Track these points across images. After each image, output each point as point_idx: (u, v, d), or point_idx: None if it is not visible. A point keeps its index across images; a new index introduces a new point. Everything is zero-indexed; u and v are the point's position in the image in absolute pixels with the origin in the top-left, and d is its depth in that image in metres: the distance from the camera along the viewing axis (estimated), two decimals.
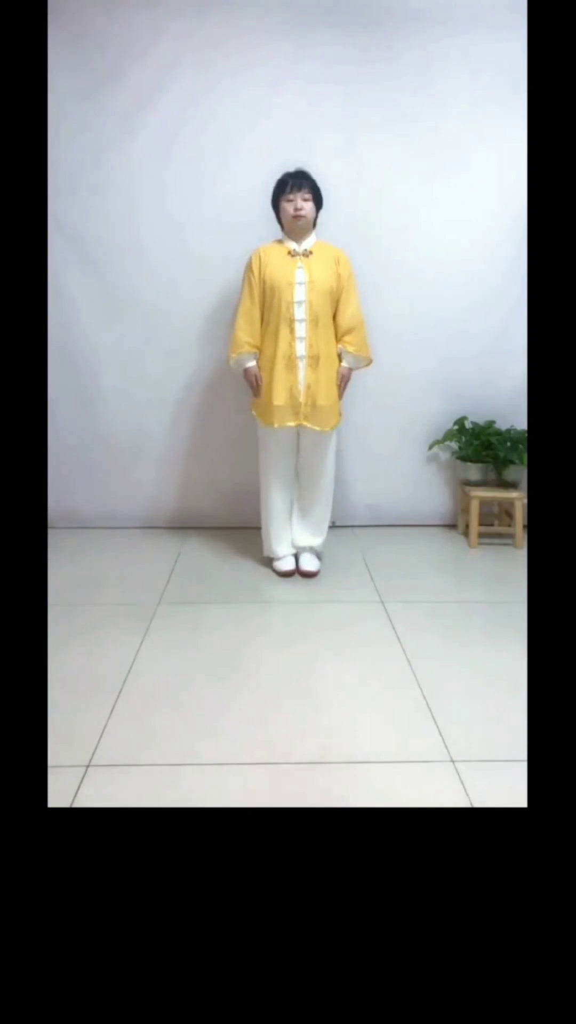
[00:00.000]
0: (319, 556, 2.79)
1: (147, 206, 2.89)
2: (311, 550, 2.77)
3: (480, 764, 1.56)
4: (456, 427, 3.11)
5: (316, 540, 2.75)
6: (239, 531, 3.20)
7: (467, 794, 1.47)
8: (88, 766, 1.55)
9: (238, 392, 2.99)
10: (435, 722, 1.73)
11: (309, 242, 2.47)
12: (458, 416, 3.13)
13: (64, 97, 2.77)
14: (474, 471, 3.09)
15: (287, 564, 2.71)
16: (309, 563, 2.71)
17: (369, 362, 2.58)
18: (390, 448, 3.21)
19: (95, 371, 3.08)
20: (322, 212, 2.51)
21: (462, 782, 1.50)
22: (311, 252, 2.45)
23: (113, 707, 1.79)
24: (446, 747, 1.63)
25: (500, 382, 3.12)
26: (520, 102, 2.79)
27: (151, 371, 3.08)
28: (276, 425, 2.48)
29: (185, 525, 3.29)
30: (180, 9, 2.73)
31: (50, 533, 3.20)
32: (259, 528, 2.82)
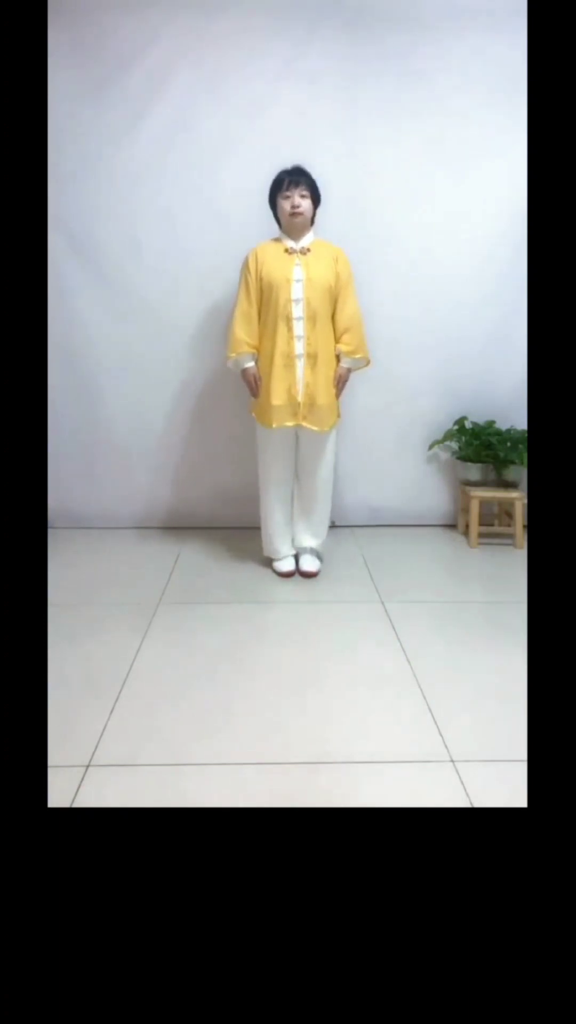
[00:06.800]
0: (320, 557, 2.79)
1: (147, 206, 2.89)
2: (311, 551, 2.77)
3: (480, 764, 1.56)
4: (456, 427, 3.11)
5: (316, 541, 2.75)
6: (239, 531, 3.20)
7: (467, 794, 1.47)
8: (88, 766, 1.55)
9: (238, 392, 2.99)
10: (435, 722, 1.73)
11: (307, 240, 2.45)
12: (458, 416, 3.13)
13: (64, 97, 2.78)
14: (474, 471, 3.09)
15: (287, 565, 2.71)
16: (309, 564, 2.71)
17: (367, 363, 2.57)
18: (390, 448, 3.22)
19: (95, 371, 3.08)
20: (320, 213, 2.50)
21: (462, 782, 1.50)
22: (309, 250, 2.42)
23: (113, 707, 1.79)
24: (446, 747, 1.63)
25: (500, 382, 3.12)
26: (520, 102, 2.80)
27: (151, 371, 3.09)
28: (274, 426, 2.46)
29: (185, 525, 3.30)
30: (180, 9, 2.73)
31: (50, 533, 3.20)
32: (259, 528, 2.82)
